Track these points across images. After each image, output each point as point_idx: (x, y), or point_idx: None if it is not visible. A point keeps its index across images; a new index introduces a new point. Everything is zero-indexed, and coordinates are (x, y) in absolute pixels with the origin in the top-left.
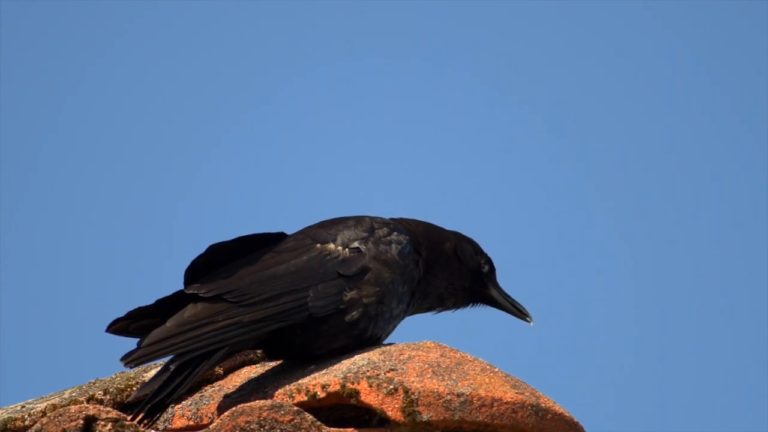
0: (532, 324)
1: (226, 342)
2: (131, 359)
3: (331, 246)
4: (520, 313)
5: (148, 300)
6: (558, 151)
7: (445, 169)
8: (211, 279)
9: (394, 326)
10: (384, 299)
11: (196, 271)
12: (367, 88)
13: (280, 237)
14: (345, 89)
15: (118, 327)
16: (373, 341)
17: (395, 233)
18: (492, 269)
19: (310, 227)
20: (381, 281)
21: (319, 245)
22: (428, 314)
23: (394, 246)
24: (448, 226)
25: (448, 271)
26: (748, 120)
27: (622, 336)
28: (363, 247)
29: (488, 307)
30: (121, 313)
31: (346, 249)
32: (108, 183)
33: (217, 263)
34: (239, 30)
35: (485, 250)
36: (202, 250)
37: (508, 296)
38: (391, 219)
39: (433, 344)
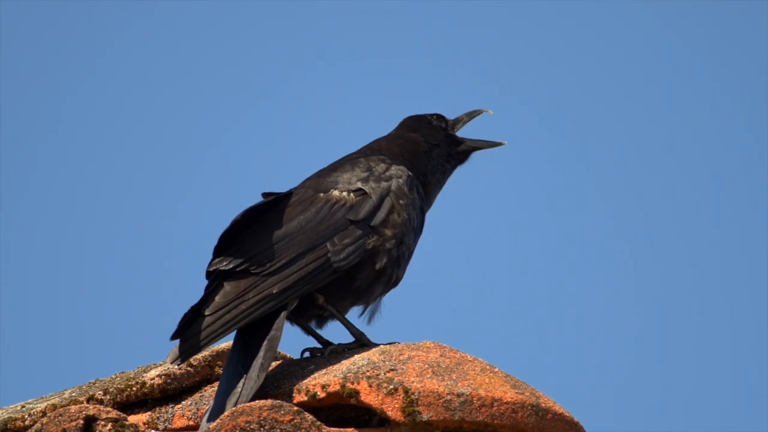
0: (506, 143)
1: (263, 313)
2: (176, 357)
3: (336, 193)
4: (494, 143)
5: (148, 299)
6: (558, 151)
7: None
8: (232, 252)
9: (409, 261)
10: (404, 238)
11: (233, 232)
12: (367, 88)
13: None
14: (345, 89)
15: (178, 332)
16: (396, 284)
17: (393, 166)
18: (445, 119)
19: (308, 179)
20: (399, 221)
21: (322, 194)
22: (427, 314)
23: (395, 180)
24: (449, 225)
25: (432, 159)
26: (748, 120)
27: (622, 336)
28: (366, 187)
29: (470, 158)
30: (121, 314)
31: (351, 193)
32: (108, 183)
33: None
34: (239, 30)
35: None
36: (201, 250)
37: (469, 116)
38: (367, 148)
39: (433, 344)
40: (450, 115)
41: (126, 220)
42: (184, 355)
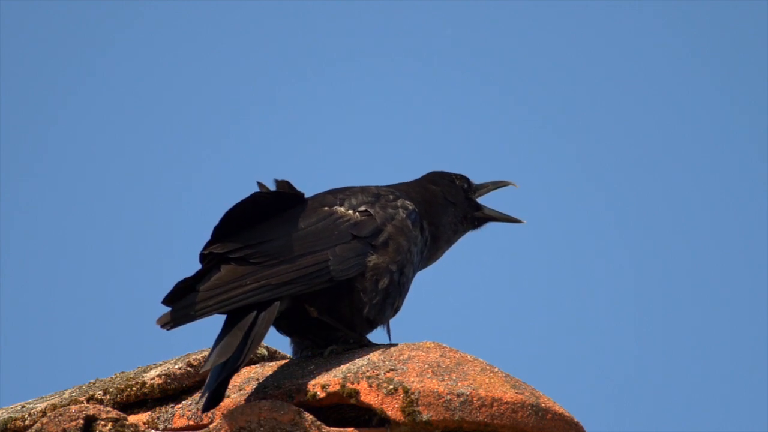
0: (524, 222)
1: (256, 301)
2: (166, 321)
3: (341, 209)
4: (512, 218)
5: (149, 299)
6: (558, 151)
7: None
8: (231, 239)
9: (406, 294)
10: (404, 269)
11: (235, 215)
12: (368, 88)
13: (300, 199)
14: (345, 90)
15: (170, 300)
16: (396, 312)
17: (401, 200)
18: (468, 181)
19: (317, 194)
20: (400, 248)
21: (326, 208)
22: (427, 314)
23: (401, 211)
24: None
25: (447, 215)
26: (748, 120)
27: (622, 336)
28: (371, 210)
29: (484, 226)
30: (121, 314)
31: (356, 213)
32: (108, 183)
33: (255, 211)
34: (239, 31)
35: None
36: (199, 252)
37: (490, 185)
38: (384, 186)
39: (433, 344)
40: (476, 179)
41: (126, 220)
42: (175, 320)
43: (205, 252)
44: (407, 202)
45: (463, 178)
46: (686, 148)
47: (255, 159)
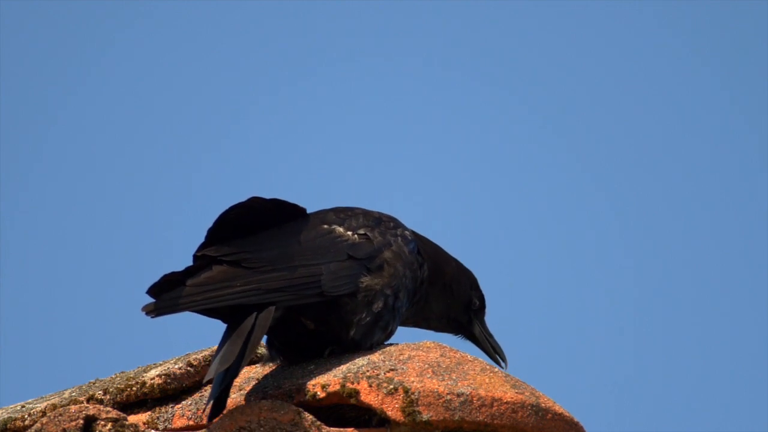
0: (505, 367)
1: (243, 303)
2: (152, 309)
3: (340, 229)
4: (496, 356)
5: (148, 300)
6: (558, 152)
7: (446, 170)
8: (227, 244)
9: (399, 320)
10: (399, 294)
11: (230, 218)
12: (368, 89)
13: (301, 213)
14: (345, 90)
15: (156, 291)
16: (390, 335)
17: (401, 228)
18: (482, 306)
19: (319, 210)
20: (396, 273)
21: (326, 226)
22: None
23: (400, 239)
24: (450, 226)
25: (443, 297)
26: (748, 120)
27: (622, 336)
28: (370, 234)
29: (466, 340)
30: (121, 314)
31: (355, 234)
32: (108, 183)
33: (251, 217)
34: (239, 31)
35: (482, 284)
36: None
37: (490, 336)
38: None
39: (433, 344)
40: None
41: (126, 220)
42: (159, 309)
43: (198, 254)
44: (407, 232)
45: (482, 298)
46: (686, 148)
47: (255, 159)
